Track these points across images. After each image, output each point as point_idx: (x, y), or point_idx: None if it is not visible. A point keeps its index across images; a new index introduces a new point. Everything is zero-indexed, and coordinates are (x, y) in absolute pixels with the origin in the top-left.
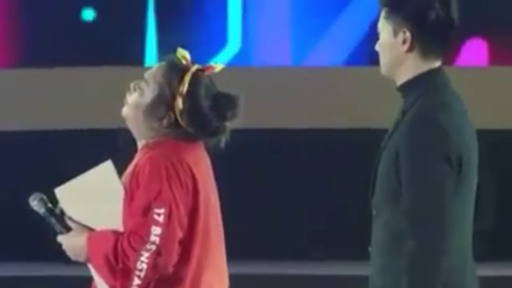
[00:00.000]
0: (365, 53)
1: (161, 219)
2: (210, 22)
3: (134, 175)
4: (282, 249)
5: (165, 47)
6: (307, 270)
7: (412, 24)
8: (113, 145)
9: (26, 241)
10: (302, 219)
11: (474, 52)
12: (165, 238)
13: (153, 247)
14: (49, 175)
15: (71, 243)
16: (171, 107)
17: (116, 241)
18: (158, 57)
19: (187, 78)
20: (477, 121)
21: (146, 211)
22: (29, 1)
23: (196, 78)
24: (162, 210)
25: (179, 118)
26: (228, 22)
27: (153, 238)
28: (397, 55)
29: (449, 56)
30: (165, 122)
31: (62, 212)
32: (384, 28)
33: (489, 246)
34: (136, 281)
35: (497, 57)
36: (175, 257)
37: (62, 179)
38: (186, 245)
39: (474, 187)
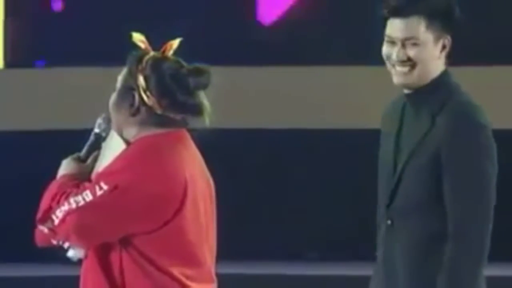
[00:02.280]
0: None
1: (99, 192)
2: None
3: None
4: (277, 249)
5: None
6: (302, 271)
7: (452, 30)
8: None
9: (23, 241)
10: (296, 220)
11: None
12: (87, 210)
13: (73, 206)
14: (48, 175)
15: (71, 168)
16: (136, 89)
17: (69, 188)
18: None
19: (146, 57)
20: None
21: (97, 179)
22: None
23: (156, 57)
24: (106, 187)
25: (145, 97)
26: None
27: (79, 198)
28: (436, 62)
29: None
30: (135, 105)
31: (100, 147)
32: (426, 38)
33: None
34: (49, 224)
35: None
36: (98, 232)
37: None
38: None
39: None
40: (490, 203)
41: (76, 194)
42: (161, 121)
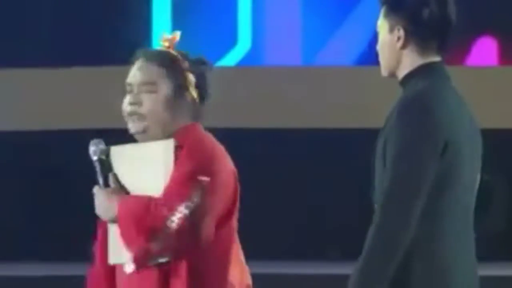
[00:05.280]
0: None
1: (201, 189)
2: (220, 21)
3: (183, 154)
4: (297, 248)
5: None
6: (322, 270)
7: (406, 21)
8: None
9: (17, 241)
10: (317, 219)
11: (485, 51)
12: (200, 208)
13: (186, 212)
14: (49, 174)
15: (106, 197)
16: (186, 86)
17: (150, 201)
18: None
19: (176, 55)
20: (487, 120)
21: (190, 179)
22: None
23: (182, 53)
24: (205, 179)
25: (193, 93)
26: (238, 21)
27: (189, 203)
28: (393, 52)
29: (460, 55)
30: (188, 102)
31: (110, 168)
32: (382, 26)
33: (502, 246)
34: (167, 230)
35: (507, 56)
36: (207, 231)
37: (62, 179)
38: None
39: (471, 183)
40: (412, 187)
41: (180, 199)
42: (198, 114)
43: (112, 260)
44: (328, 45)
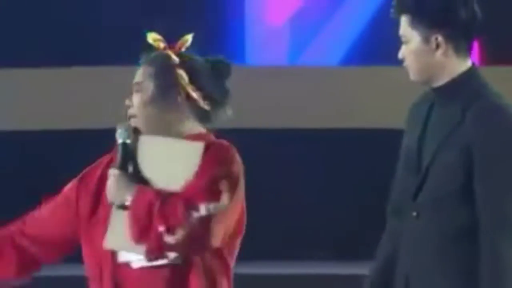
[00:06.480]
0: (361, 53)
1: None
2: (205, 20)
3: (207, 156)
4: (285, 249)
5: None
6: (311, 270)
7: (444, 27)
8: (111, 145)
9: None
10: (304, 219)
11: None
12: (218, 213)
13: (206, 212)
14: (47, 175)
15: (124, 180)
16: (178, 86)
17: (170, 194)
18: None
19: (172, 55)
20: None
21: (215, 182)
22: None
23: (182, 54)
24: (229, 185)
25: (191, 92)
26: (223, 20)
27: (210, 205)
28: (432, 61)
29: None
30: (179, 101)
31: (133, 154)
32: (412, 36)
33: None
34: (192, 217)
35: (489, 57)
36: (217, 236)
37: (60, 180)
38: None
39: None
40: None
41: (205, 199)
42: (205, 116)
43: (110, 245)
44: (313, 45)
